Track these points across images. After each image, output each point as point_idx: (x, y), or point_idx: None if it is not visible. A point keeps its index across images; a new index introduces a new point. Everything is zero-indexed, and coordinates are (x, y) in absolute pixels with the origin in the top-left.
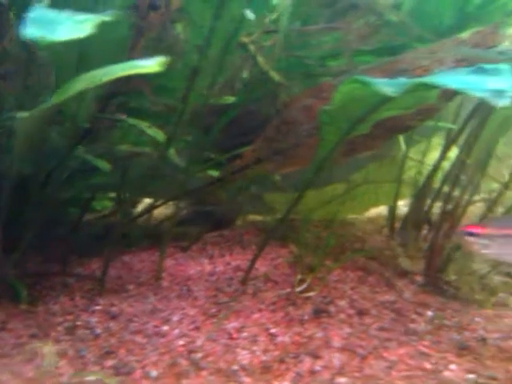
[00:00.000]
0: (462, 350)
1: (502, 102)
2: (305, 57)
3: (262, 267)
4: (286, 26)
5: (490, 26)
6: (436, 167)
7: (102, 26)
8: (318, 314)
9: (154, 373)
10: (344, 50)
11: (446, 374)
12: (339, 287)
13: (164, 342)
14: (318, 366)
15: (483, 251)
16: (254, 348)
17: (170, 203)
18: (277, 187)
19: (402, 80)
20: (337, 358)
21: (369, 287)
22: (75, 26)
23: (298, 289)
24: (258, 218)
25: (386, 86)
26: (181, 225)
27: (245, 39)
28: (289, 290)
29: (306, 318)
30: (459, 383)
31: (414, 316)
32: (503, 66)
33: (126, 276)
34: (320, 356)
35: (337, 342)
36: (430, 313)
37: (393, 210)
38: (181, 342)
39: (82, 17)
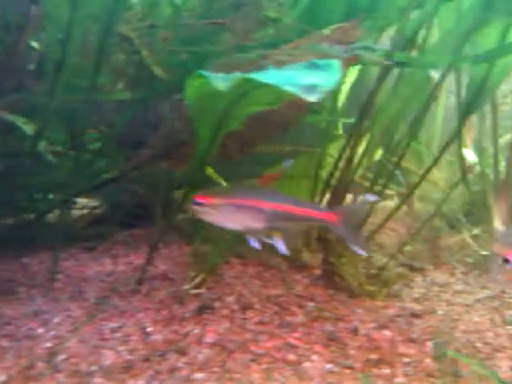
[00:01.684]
0: (331, 340)
1: (313, 97)
2: (197, 52)
3: (162, 266)
4: (175, 21)
5: (351, 22)
6: (339, 161)
7: None
8: (202, 310)
9: (2, 377)
10: (229, 45)
11: (306, 364)
12: (233, 283)
13: (30, 345)
14: (180, 362)
15: (209, 219)
16: (122, 348)
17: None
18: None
19: (232, 75)
20: (203, 354)
21: (262, 282)
22: None
23: (187, 286)
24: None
25: (220, 81)
26: (96, 224)
27: (131, 34)
28: (181, 287)
29: (188, 315)
30: (313, 373)
31: (294, 309)
32: (334, 62)
33: (20, 278)
34: (187, 353)
35: (210, 338)
36: (312, 305)
37: None
38: (48, 345)
39: None
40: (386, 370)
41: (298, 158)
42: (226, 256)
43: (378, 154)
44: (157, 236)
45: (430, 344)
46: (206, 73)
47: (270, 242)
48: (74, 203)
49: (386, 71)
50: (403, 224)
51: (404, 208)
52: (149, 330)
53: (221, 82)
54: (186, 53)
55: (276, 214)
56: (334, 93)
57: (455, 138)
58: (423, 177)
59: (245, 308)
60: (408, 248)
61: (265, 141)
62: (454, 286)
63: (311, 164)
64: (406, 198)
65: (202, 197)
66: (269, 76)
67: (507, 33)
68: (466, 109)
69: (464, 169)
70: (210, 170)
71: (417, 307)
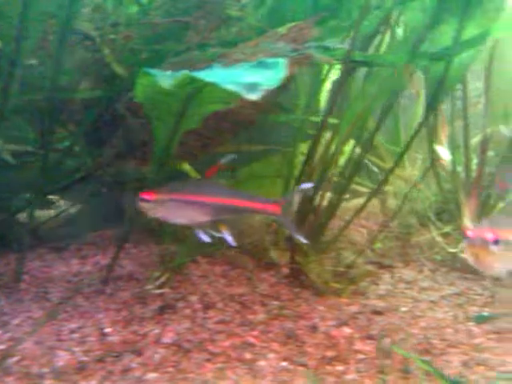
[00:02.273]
0: (289, 338)
1: (253, 96)
2: (160, 50)
3: (129, 266)
4: (138, 20)
5: (306, 20)
6: (308, 158)
7: None
8: (163, 310)
9: None
10: (191, 43)
11: (261, 363)
12: (198, 282)
13: None
14: (135, 363)
15: (155, 215)
16: (78, 349)
17: None
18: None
19: (177, 73)
20: (159, 354)
21: (227, 281)
22: None
23: (150, 286)
24: None
25: (165, 79)
26: (67, 225)
27: (93, 32)
28: (145, 287)
29: (149, 315)
30: (267, 371)
31: (257, 307)
32: (280, 61)
33: None
34: (143, 353)
35: (168, 338)
36: (275, 303)
37: None
38: (2, 347)
39: None
40: (340, 367)
41: (272, 157)
42: (193, 255)
43: (347, 151)
44: (123, 236)
45: (387, 341)
46: (152, 71)
47: (218, 234)
48: (51, 203)
49: (348, 70)
50: (376, 221)
51: (378, 205)
52: (107, 330)
53: (166, 79)
54: (148, 51)
55: (220, 207)
56: (315, 92)
57: (418, 133)
58: (391, 171)
59: (207, 307)
60: (378, 245)
61: (226, 140)
62: (421, 282)
63: (284, 163)
64: (372, 194)
65: (148, 193)
66: (213, 74)
67: (461, 31)
68: (428, 105)
69: (433, 164)
70: (187, 167)
71: (380, 304)
